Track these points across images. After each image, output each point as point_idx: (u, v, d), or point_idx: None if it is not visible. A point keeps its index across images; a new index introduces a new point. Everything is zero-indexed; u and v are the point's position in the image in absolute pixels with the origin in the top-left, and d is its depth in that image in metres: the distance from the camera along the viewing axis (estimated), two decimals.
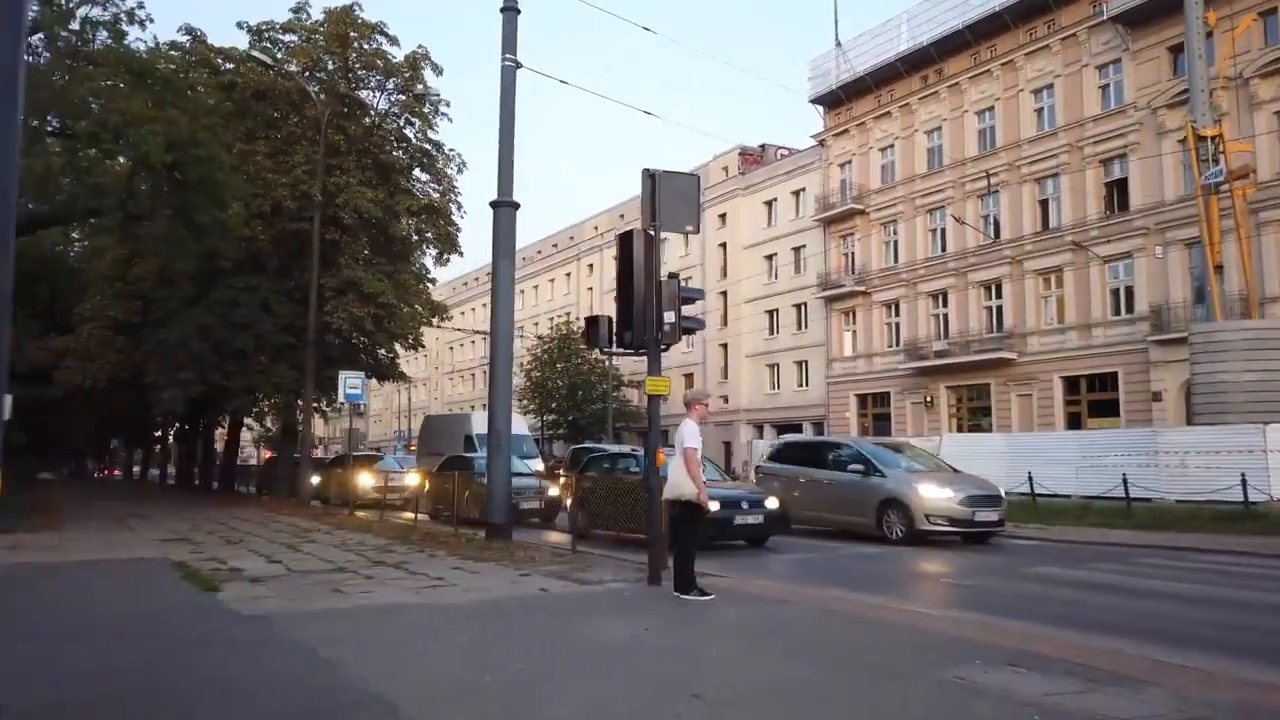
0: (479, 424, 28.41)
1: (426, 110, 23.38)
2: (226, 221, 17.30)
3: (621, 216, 64.87)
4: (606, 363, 54.59)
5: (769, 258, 49.76)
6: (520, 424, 30.88)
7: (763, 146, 55.52)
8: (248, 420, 29.17)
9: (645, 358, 8.63)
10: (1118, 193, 33.21)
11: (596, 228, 67.44)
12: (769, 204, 50.32)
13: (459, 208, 23.56)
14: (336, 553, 11.27)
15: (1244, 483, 17.98)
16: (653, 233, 8.64)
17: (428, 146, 23.63)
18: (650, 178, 8.70)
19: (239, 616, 6.72)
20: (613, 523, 12.19)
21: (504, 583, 8.56)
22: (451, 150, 24.36)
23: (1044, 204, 35.59)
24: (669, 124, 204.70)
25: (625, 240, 8.71)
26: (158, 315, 22.36)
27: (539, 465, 25.69)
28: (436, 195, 23.48)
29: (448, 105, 23.93)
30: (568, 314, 66.13)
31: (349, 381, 17.94)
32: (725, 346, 52.97)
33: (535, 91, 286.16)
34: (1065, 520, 17.35)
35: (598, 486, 13.12)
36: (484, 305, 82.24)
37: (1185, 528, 15.36)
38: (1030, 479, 20.58)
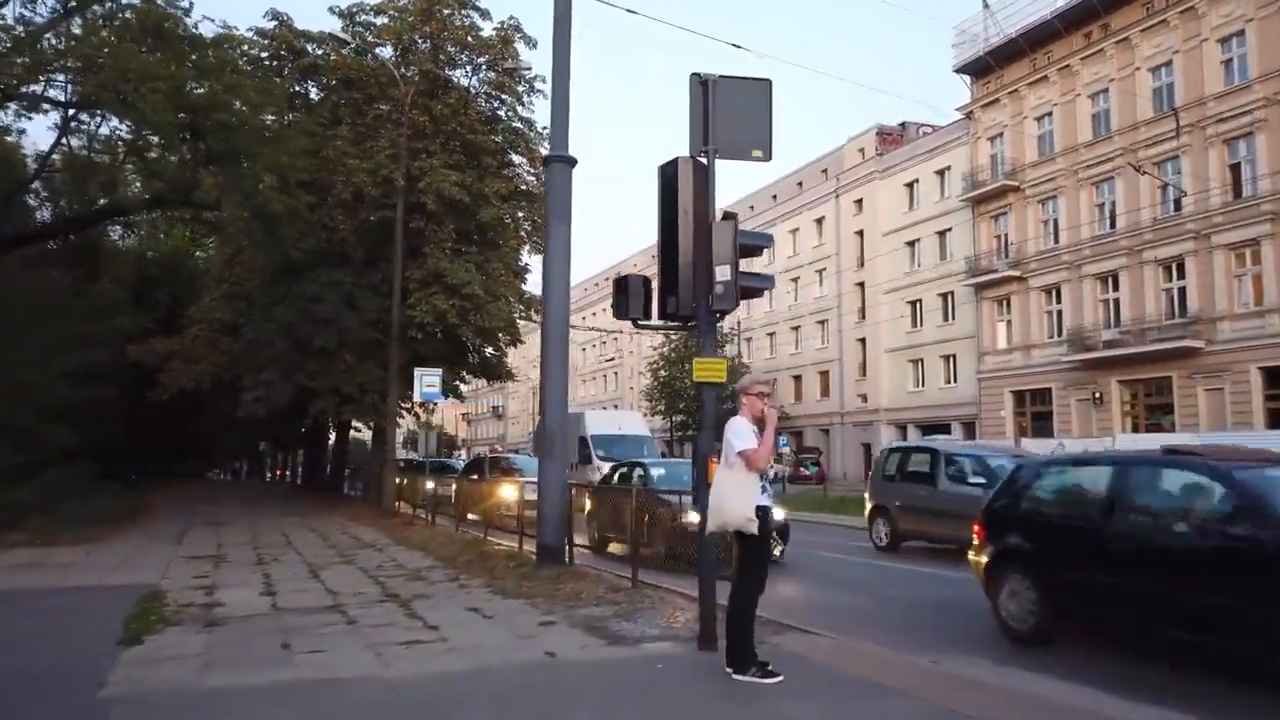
0: (595, 424, 26.33)
1: (520, 87, 21.74)
2: (300, 209, 16.07)
3: (752, 208, 62.12)
4: (738, 359, 52.11)
5: (910, 244, 45.93)
6: (638, 423, 28.47)
7: (903, 125, 51.54)
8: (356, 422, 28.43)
9: (701, 333, 6.30)
10: None
11: None
12: (910, 186, 46.45)
13: None
14: (357, 580, 9.49)
15: None
16: (705, 160, 6.30)
17: (519, 126, 21.98)
18: (702, 85, 6.37)
19: (86, 700, 4.87)
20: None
21: (511, 638, 6.42)
22: (546, 129, 22.65)
23: (1235, 168, 30.60)
24: (802, 96, 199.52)
25: (668, 174, 6.39)
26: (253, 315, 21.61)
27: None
28: (532, 179, 21.76)
29: (543, 82, 22.23)
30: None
31: (426, 379, 16.41)
32: (863, 341, 49.40)
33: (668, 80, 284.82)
34: None
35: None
36: (605, 310, 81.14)
37: None
38: None
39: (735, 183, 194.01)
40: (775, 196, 59.63)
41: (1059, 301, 36.91)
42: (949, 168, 43.47)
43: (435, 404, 18.53)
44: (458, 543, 12.74)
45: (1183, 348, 30.94)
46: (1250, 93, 29.92)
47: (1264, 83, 29.48)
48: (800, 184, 57.19)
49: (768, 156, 6.43)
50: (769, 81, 6.52)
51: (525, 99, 21.74)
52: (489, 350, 25.08)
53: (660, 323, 6.42)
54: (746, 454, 5.28)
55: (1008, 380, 39.06)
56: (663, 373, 55.74)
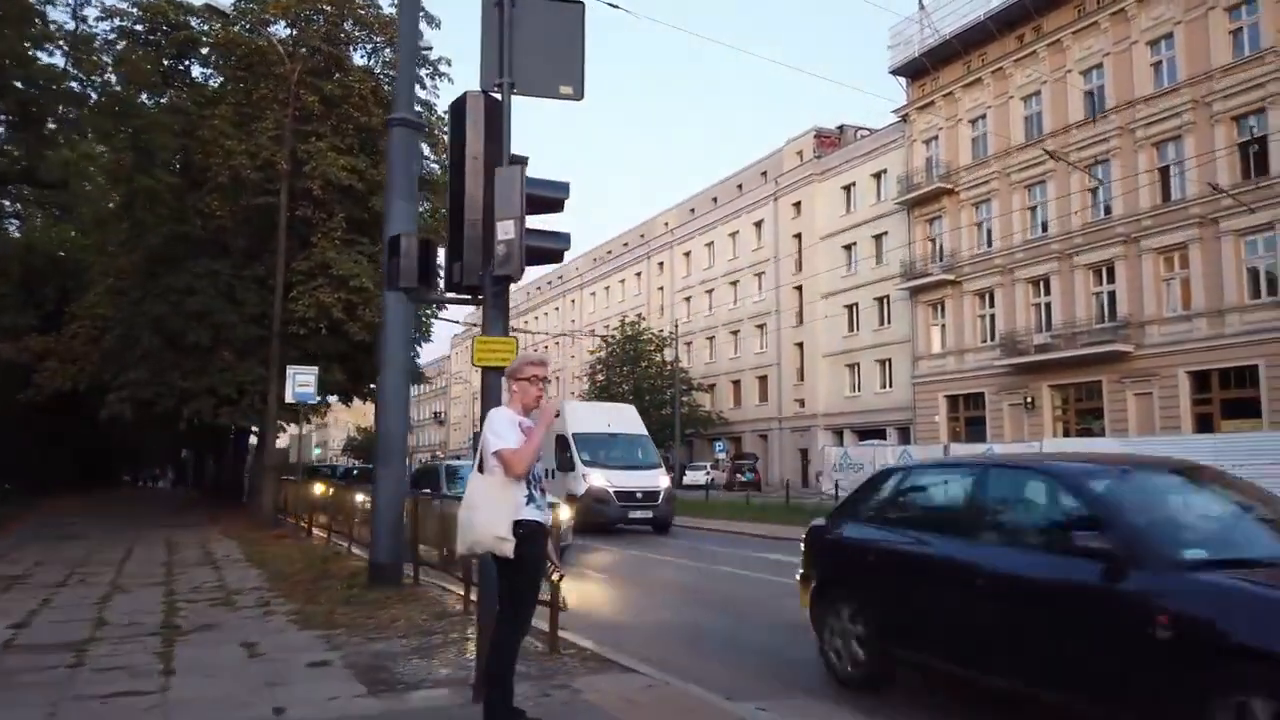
0: (579, 420, 20.45)
1: (423, 71, 20.40)
2: (160, 191, 14.58)
3: (692, 211, 61.42)
4: (675, 364, 51.13)
5: (847, 247, 45.41)
6: (633, 420, 21.93)
7: (840, 128, 51.16)
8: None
9: (485, 305, 5.13)
10: (1254, 154, 27.92)
11: (667, 224, 64.00)
12: (847, 189, 45.94)
13: None
14: (148, 607, 8.13)
15: None
16: (499, 95, 5.14)
17: (420, 110, 20.63)
18: (497, 6, 5.22)
19: None
20: None
21: (250, 688, 5.16)
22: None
23: (1164, 171, 30.41)
24: (738, 109, 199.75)
25: (456, 112, 5.23)
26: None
27: (663, 480, 19.54)
28: (436, 167, 20.41)
29: (448, 65, 20.91)
30: (638, 314, 62.84)
31: (299, 379, 14.95)
32: (801, 345, 48.75)
33: (612, 92, 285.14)
34: None
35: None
36: (556, 309, 79.86)
37: None
38: None
39: (674, 187, 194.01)
40: (715, 199, 58.95)
41: (992, 305, 36.54)
42: (885, 170, 43.04)
43: (323, 406, 17.10)
44: (311, 559, 11.39)
45: (1112, 352, 30.63)
46: (1178, 95, 29.75)
47: (1192, 86, 29.32)
48: (740, 186, 56.56)
49: (579, 94, 5.29)
50: (581, 5, 5.40)
51: (428, 83, 20.42)
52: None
53: (448, 295, 5.23)
54: (504, 455, 4.10)
55: (942, 384, 38.60)
56: (599, 377, 54.60)
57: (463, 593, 7.75)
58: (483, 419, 4.54)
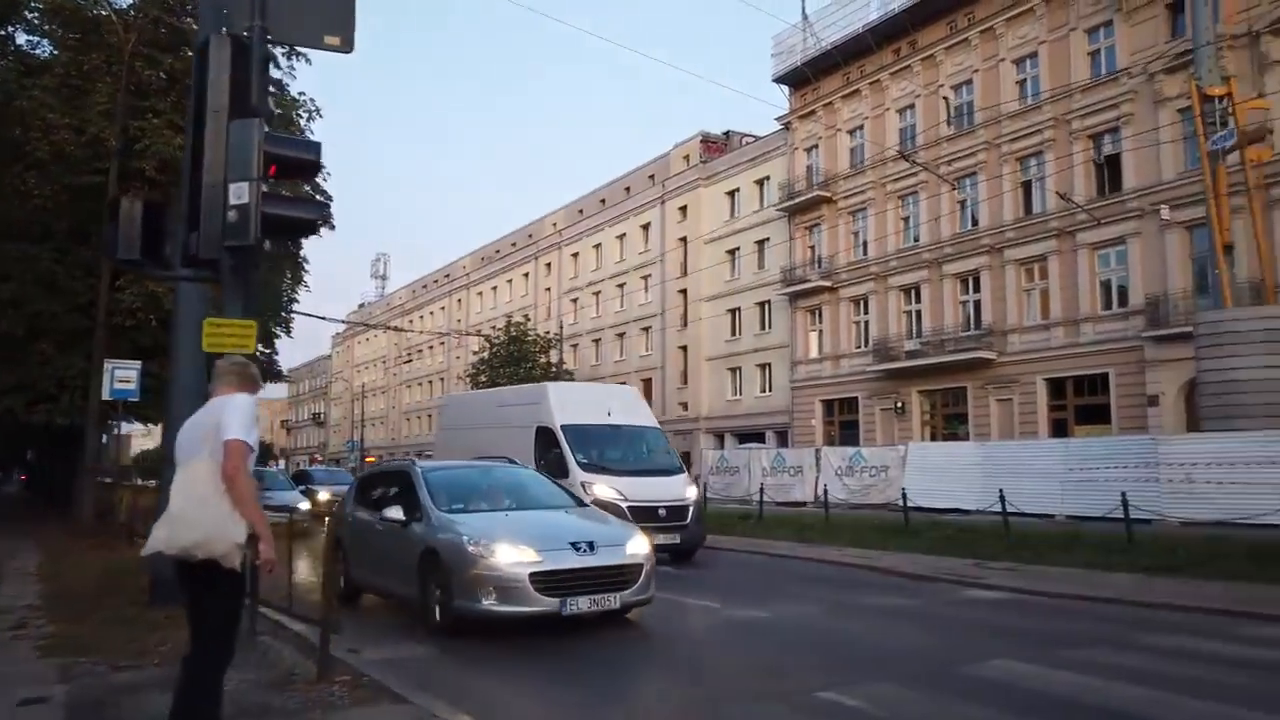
0: (569, 409, 15.27)
1: (278, 50, 19.18)
2: None
3: (580, 212, 60.87)
4: (560, 366, 50.42)
5: (731, 252, 45.69)
6: (638, 407, 16.89)
7: (727, 133, 51.51)
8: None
9: (223, 282, 4.45)
10: (1109, 171, 29.29)
11: (555, 224, 63.25)
12: (731, 194, 46.24)
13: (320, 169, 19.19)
14: None
15: None
16: (248, 40, 4.48)
17: (272, 90, 19.42)
18: None
19: None
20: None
21: None
22: (303, 95, 20.24)
23: (1026, 186, 31.61)
24: (628, 114, 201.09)
25: (199, 58, 4.53)
26: None
27: (690, 489, 14.81)
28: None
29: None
30: (526, 315, 61.85)
31: (118, 374, 13.66)
32: (685, 349, 48.81)
33: (504, 89, 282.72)
34: (1050, 553, 13.14)
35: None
36: (442, 309, 77.93)
37: (1210, 570, 11.17)
38: (1002, 497, 16.43)
39: (563, 187, 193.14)
40: (604, 201, 58.54)
41: (867, 312, 37.30)
42: (768, 177, 43.48)
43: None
44: (112, 572, 10.31)
45: (976, 359, 31.61)
46: (1040, 113, 30.95)
47: (1053, 103, 30.54)
48: (628, 189, 56.32)
49: (348, 46, 4.67)
50: None
51: (282, 62, 19.18)
52: (261, 348, 22.12)
53: (183, 273, 4.52)
54: (239, 450, 3.50)
55: (818, 389, 39.19)
56: (482, 378, 53.35)
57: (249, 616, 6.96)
58: (214, 407, 3.87)
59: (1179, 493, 17.83)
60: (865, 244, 37.46)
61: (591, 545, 7.46)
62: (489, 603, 7.01)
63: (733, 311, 45.37)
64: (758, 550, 15.63)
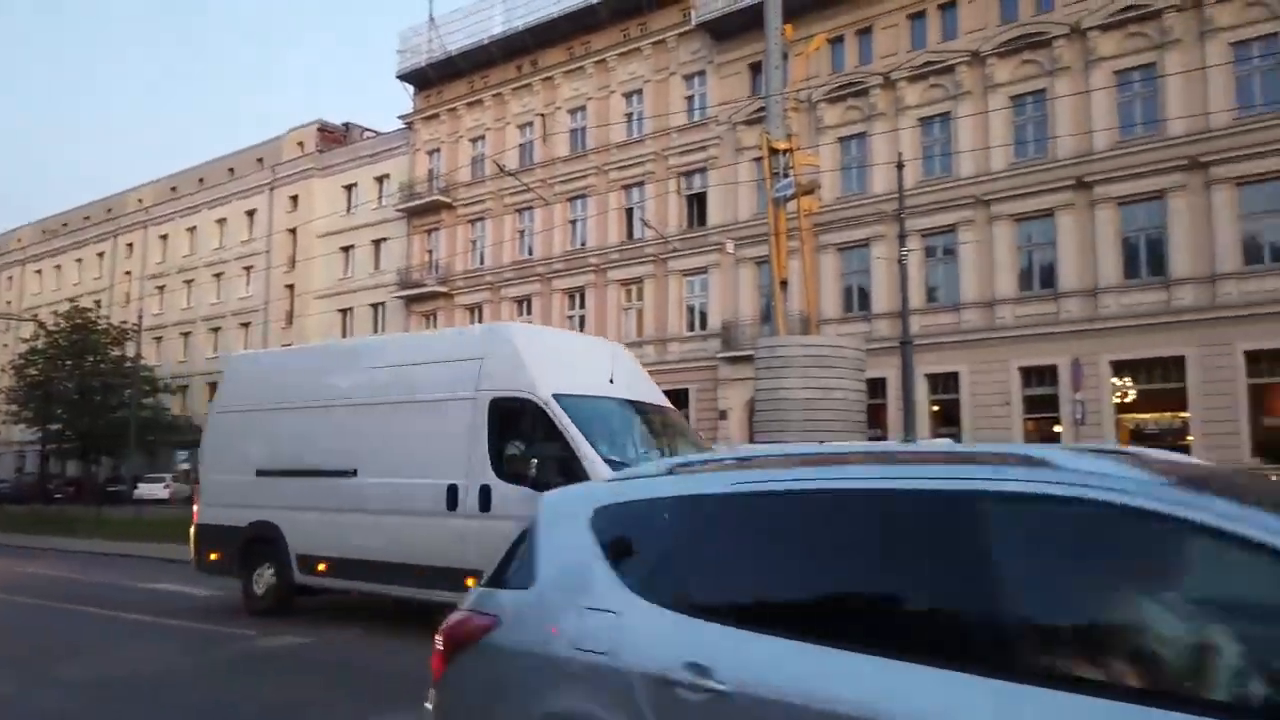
0: (554, 366, 9.35)
1: None
2: None
3: (173, 190, 54.67)
4: (137, 360, 44.50)
5: (346, 249, 43.70)
6: (639, 372, 11.16)
7: (347, 125, 49.41)
8: None
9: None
10: (697, 206, 32.48)
11: (141, 200, 56.06)
12: (349, 189, 44.25)
13: None
14: None
15: None
16: None
17: None
18: None
19: None
20: None
21: None
22: None
23: (629, 213, 34.00)
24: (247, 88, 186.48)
25: None
26: None
27: None
28: None
29: None
30: (98, 301, 53.98)
31: None
32: (290, 346, 45.65)
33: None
34: None
35: None
36: (9, 278, 65.07)
37: None
38: None
39: (156, 160, 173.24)
40: (203, 180, 53.11)
41: (481, 320, 37.63)
42: (389, 176, 42.30)
43: None
44: None
45: None
46: (643, 146, 33.48)
47: (655, 139, 33.18)
48: (232, 170, 51.67)
49: None
50: None
51: None
52: None
53: None
54: None
55: None
56: (32, 371, 45.48)
57: None
58: None
59: None
60: (482, 253, 37.86)
61: None
62: None
63: (344, 311, 43.43)
64: None
